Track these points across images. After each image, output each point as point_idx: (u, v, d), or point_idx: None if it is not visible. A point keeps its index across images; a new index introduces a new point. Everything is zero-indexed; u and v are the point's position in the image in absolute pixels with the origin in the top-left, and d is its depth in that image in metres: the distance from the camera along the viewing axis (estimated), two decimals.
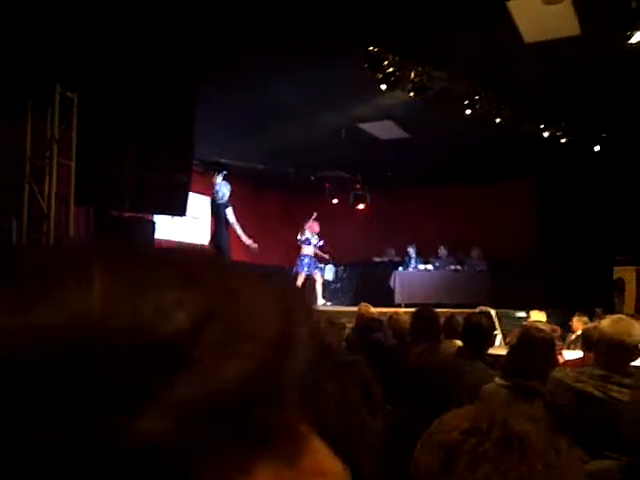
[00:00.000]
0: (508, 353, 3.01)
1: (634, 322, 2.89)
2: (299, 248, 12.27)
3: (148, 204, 6.73)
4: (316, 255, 12.32)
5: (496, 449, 0.76)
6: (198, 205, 12.73)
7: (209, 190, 13.25)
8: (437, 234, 13.05)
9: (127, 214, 6.73)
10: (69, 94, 6.45)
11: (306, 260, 12.08)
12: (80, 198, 6.50)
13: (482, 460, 0.75)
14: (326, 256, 12.59)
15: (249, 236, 9.31)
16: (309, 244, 12.15)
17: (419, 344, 3.28)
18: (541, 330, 3.08)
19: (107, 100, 6.33)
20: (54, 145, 6.40)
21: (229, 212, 9.05)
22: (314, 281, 12.03)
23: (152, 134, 6.50)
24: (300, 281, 11.99)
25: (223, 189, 9.23)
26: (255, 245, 9.40)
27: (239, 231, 9.06)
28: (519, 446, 0.75)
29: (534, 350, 2.89)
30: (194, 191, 11.07)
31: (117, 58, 6.28)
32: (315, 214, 12.19)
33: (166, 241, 11.62)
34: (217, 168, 10.29)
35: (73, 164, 6.47)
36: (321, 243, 12.35)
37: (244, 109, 9.00)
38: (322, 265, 12.56)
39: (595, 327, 3.94)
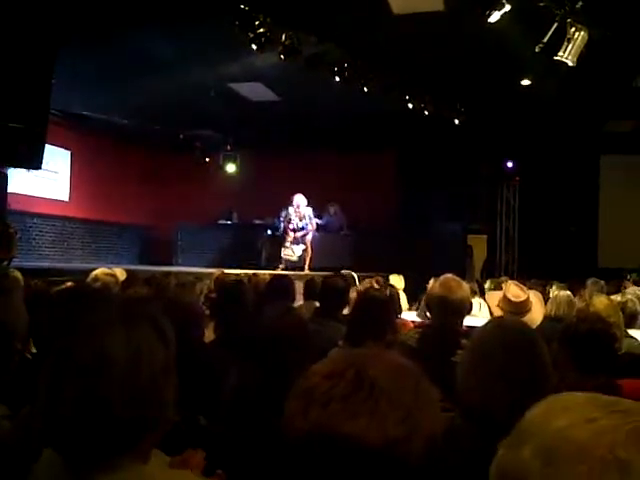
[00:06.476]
0: (349, 317, 3.13)
1: (461, 282, 3.09)
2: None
3: None
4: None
5: (347, 388, 0.85)
6: (58, 159, 12.07)
7: (71, 143, 12.59)
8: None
9: None
10: None
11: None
12: None
13: (334, 399, 0.84)
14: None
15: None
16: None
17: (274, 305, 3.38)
18: (377, 290, 3.23)
19: None
20: None
21: None
22: None
23: (2, 81, 6.03)
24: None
25: None
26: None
27: None
28: (369, 386, 0.85)
29: (369, 311, 3.03)
30: (54, 144, 10.46)
31: None
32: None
33: (22, 195, 10.94)
34: None
35: None
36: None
37: (109, 59, 8.52)
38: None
39: None
